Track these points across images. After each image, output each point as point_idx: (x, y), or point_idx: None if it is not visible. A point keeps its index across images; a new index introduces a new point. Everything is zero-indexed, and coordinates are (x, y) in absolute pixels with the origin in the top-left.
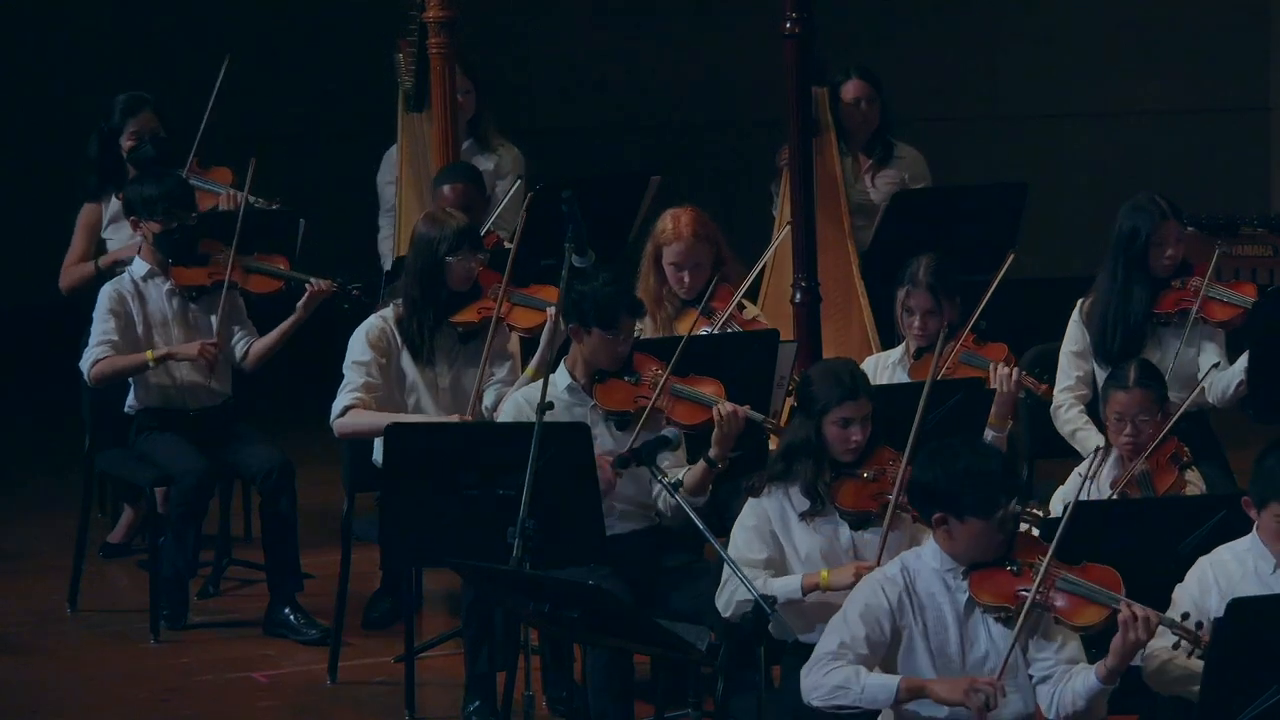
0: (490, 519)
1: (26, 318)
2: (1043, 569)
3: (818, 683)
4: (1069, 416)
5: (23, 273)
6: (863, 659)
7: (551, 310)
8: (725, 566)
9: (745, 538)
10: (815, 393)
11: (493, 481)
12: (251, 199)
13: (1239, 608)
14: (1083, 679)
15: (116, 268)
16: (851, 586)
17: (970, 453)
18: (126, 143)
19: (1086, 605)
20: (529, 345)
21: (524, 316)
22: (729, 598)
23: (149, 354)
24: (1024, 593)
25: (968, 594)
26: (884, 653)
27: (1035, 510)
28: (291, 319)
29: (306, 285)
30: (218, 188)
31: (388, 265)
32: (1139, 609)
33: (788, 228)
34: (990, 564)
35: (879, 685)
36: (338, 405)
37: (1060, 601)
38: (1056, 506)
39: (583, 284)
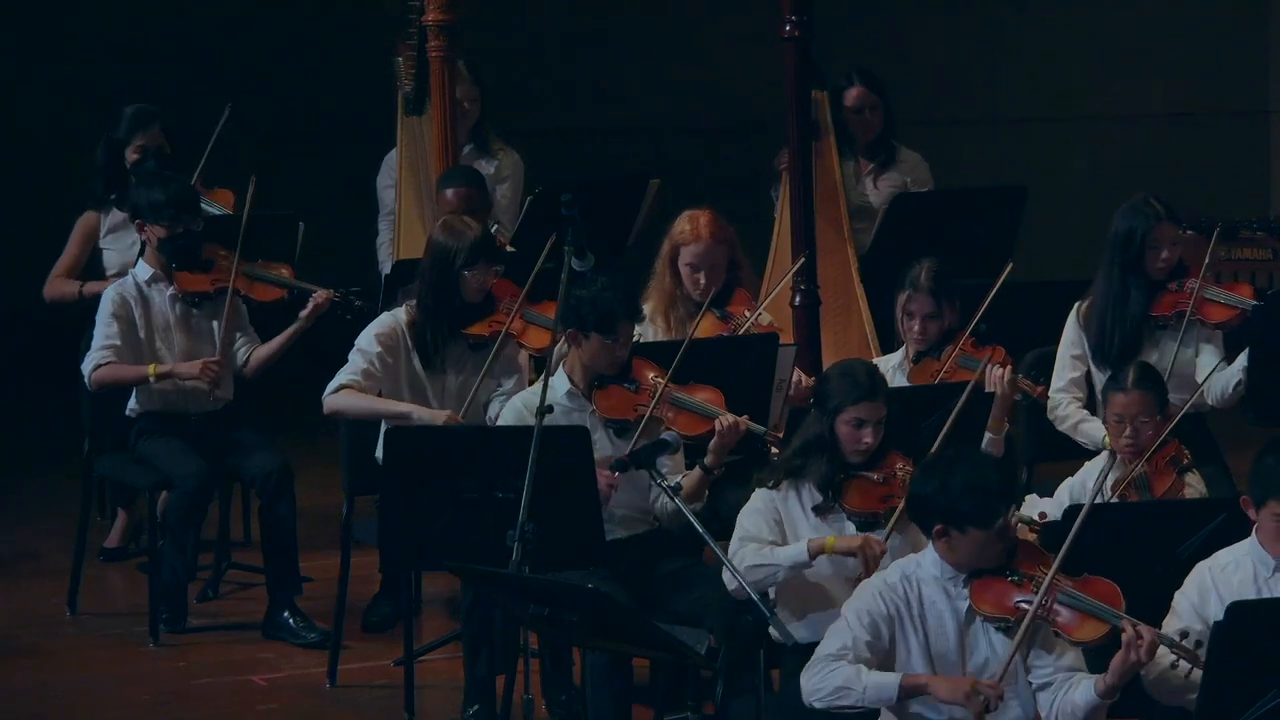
0: (489, 522)
1: (26, 320)
2: (1045, 583)
3: (819, 684)
4: (1067, 412)
5: (23, 275)
6: (864, 662)
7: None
8: (728, 551)
9: (752, 519)
10: (831, 390)
11: (492, 485)
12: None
13: (1238, 610)
14: (1082, 691)
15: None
16: (853, 553)
17: (966, 464)
18: (132, 156)
19: (1087, 620)
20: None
21: (536, 337)
22: (736, 567)
23: (151, 368)
24: (1024, 604)
25: (968, 602)
26: (883, 657)
27: (1034, 519)
28: (294, 328)
29: (310, 295)
30: (219, 209)
31: (386, 269)
32: (1143, 629)
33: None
34: (991, 572)
35: (880, 684)
36: (333, 383)
37: (1062, 616)
38: (1062, 496)
39: (580, 288)
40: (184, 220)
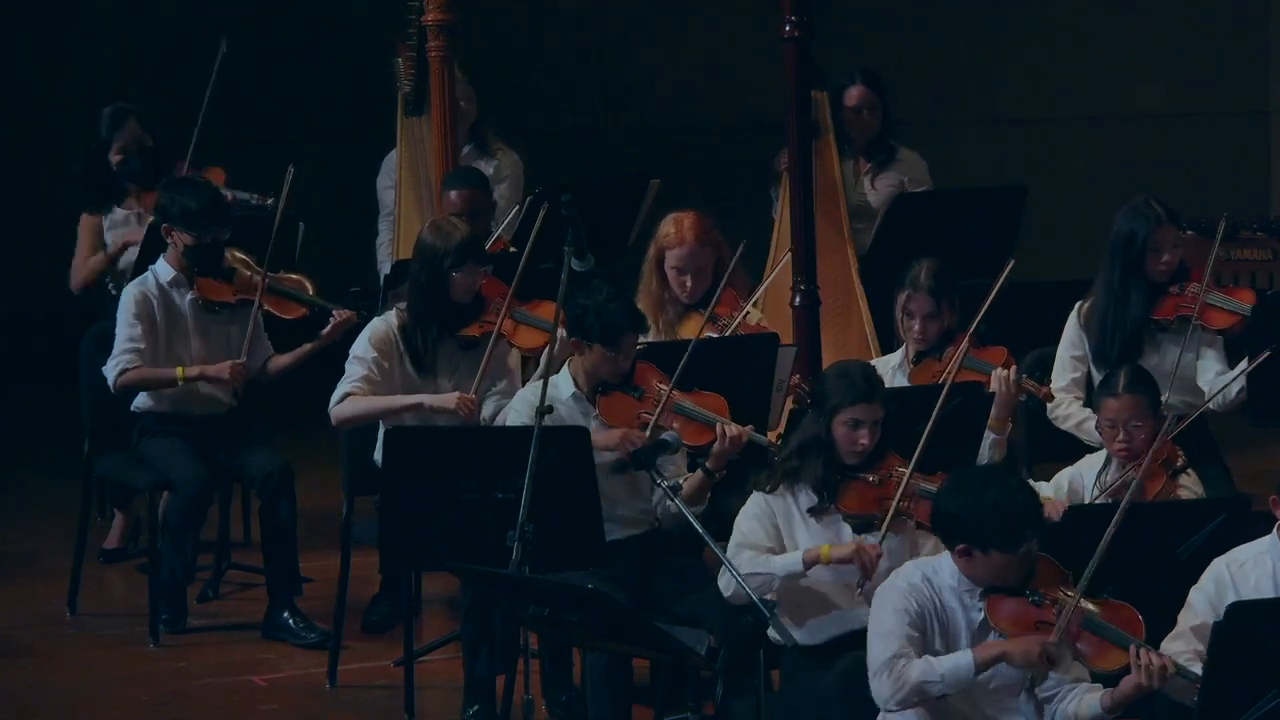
0: (489, 523)
1: (25, 320)
2: (1068, 610)
3: (896, 688)
4: (1069, 412)
5: (23, 275)
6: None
7: (561, 334)
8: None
9: (749, 525)
10: (828, 391)
11: (492, 485)
12: (260, 199)
13: (1238, 611)
14: (1089, 705)
15: (127, 251)
16: (849, 560)
17: (999, 486)
18: (115, 158)
19: (1109, 649)
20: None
21: (526, 337)
22: (730, 579)
23: (179, 371)
24: (1044, 626)
25: (983, 614)
26: (925, 651)
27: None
28: (313, 344)
29: (331, 315)
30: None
31: (386, 269)
32: (1156, 658)
33: (787, 256)
34: (1009, 589)
35: (955, 666)
36: (336, 394)
37: (1083, 645)
38: (1060, 482)
39: (586, 298)
40: (212, 230)
